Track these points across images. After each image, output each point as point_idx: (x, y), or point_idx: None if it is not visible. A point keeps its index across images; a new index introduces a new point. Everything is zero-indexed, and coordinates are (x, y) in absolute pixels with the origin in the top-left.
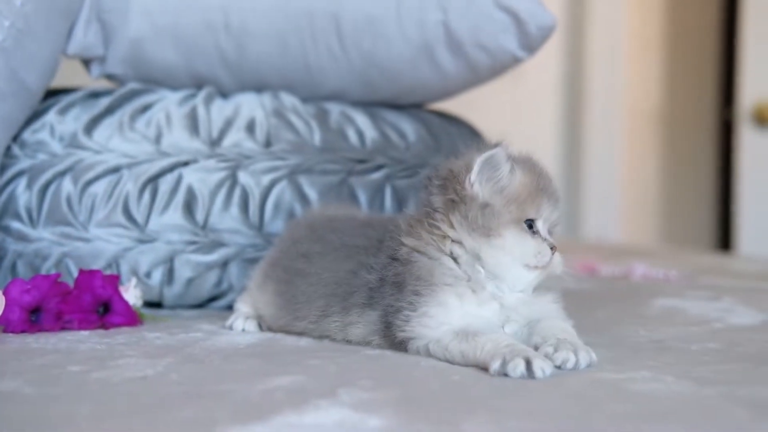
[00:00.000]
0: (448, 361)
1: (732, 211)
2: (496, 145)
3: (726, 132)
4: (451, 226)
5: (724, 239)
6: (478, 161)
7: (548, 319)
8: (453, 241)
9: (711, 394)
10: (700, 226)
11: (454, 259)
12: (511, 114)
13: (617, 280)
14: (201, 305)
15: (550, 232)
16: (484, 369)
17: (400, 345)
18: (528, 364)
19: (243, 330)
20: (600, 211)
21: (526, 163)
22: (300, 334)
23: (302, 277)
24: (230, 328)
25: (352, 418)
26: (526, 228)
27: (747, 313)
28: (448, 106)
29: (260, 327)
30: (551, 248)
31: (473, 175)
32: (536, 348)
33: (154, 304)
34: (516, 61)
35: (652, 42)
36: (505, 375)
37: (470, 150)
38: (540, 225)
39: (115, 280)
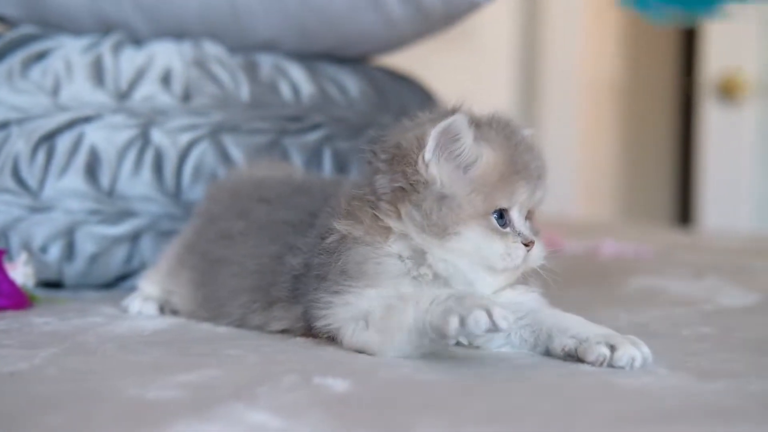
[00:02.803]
0: (369, 348)
1: (692, 185)
2: (454, 111)
3: (687, 105)
4: (399, 217)
5: (683, 214)
6: (433, 134)
7: (547, 311)
8: (398, 234)
9: (715, 390)
10: (658, 200)
11: (398, 256)
12: (463, 85)
13: (584, 258)
14: (108, 285)
15: (529, 218)
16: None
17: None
18: (489, 314)
19: (139, 313)
20: (557, 185)
21: (499, 132)
22: None
23: (224, 265)
24: (125, 310)
25: (273, 426)
26: (494, 223)
27: (736, 292)
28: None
29: (162, 310)
30: (526, 244)
31: (428, 153)
32: (564, 352)
33: (53, 284)
34: (473, 6)
35: (610, 8)
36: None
37: (423, 116)
38: (515, 213)
39: None
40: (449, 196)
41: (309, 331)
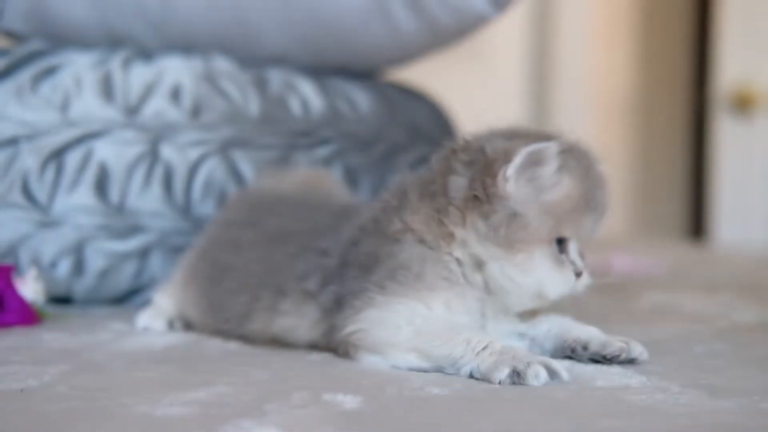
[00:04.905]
0: (387, 356)
1: (705, 199)
2: (549, 138)
3: (700, 118)
4: (464, 224)
5: (696, 227)
6: (522, 153)
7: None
8: (460, 241)
9: (729, 408)
10: (671, 214)
11: (457, 260)
12: (475, 100)
13: (596, 273)
14: (118, 300)
15: (581, 252)
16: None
17: (337, 341)
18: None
19: (146, 328)
20: None
21: (580, 164)
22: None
23: (229, 271)
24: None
25: None
26: (557, 250)
27: (750, 309)
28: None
29: (171, 325)
30: (577, 274)
31: (511, 169)
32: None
33: (62, 300)
34: (483, 20)
35: (623, 22)
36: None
37: (515, 135)
38: (572, 243)
39: (8, 272)
40: (521, 215)
41: (316, 326)
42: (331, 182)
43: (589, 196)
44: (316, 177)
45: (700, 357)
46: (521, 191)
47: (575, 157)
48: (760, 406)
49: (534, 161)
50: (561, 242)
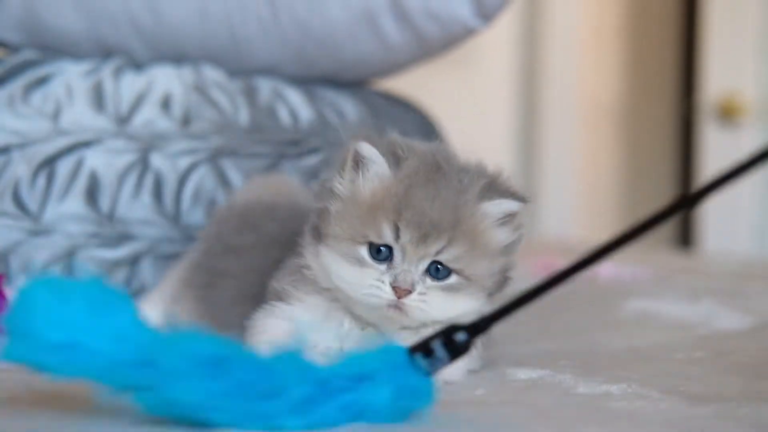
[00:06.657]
0: None
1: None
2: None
3: (688, 127)
4: None
5: (684, 236)
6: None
7: None
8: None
9: (706, 414)
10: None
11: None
12: (463, 108)
13: (581, 280)
14: None
15: (438, 269)
16: None
17: None
18: None
19: None
20: (557, 207)
21: (410, 165)
22: None
23: (228, 278)
24: None
25: None
26: (360, 252)
27: (732, 316)
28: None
29: None
30: (395, 287)
31: (342, 168)
32: None
33: None
34: (469, 32)
35: (610, 31)
36: None
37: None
38: (398, 252)
39: None
40: (327, 209)
41: None
42: (295, 187)
43: (400, 196)
44: (283, 184)
45: (680, 364)
46: (342, 188)
47: (412, 152)
48: (737, 412)
49: (353, 159)
50: (380, 250)
